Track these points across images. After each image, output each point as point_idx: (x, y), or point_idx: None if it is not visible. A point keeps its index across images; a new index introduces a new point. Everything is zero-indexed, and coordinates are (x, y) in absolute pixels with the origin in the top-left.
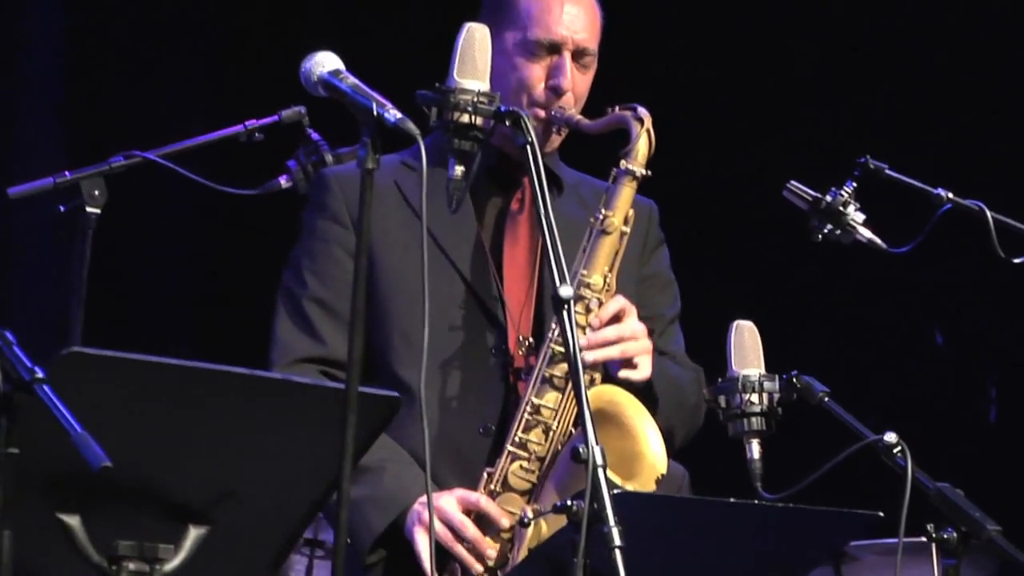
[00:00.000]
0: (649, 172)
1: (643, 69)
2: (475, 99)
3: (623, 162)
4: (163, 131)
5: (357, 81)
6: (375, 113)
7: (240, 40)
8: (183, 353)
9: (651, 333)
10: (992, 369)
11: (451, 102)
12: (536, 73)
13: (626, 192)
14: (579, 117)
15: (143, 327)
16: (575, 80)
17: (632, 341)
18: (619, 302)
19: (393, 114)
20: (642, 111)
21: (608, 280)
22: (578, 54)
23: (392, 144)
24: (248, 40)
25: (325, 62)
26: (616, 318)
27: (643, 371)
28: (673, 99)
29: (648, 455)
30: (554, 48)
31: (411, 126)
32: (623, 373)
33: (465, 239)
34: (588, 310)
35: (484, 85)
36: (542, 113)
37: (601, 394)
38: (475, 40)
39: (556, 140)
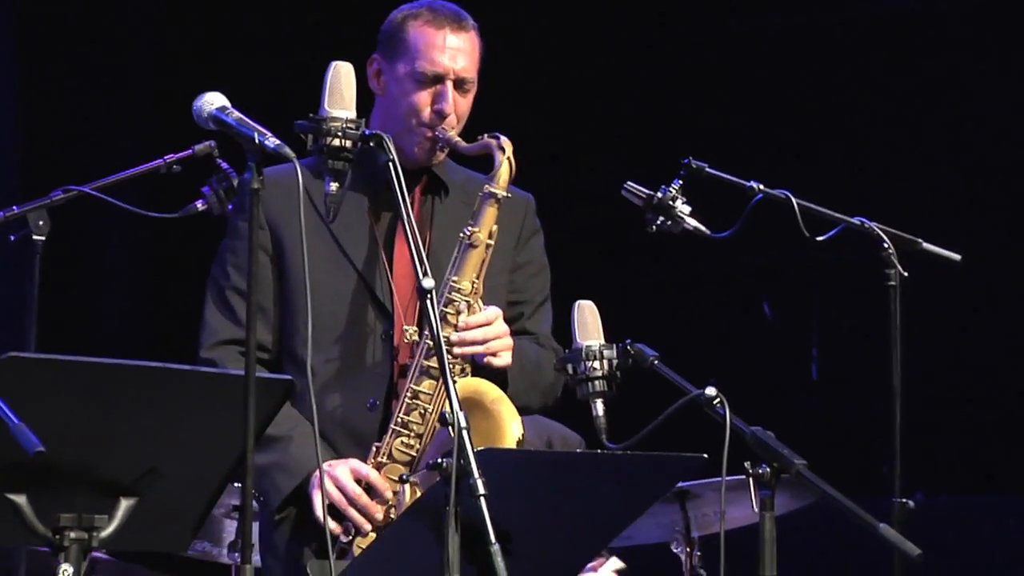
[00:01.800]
0: (509, 194)
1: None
2: (344, 125)
3: (487, 186)
4: (101, 165)
5: (241, 115)
6: (257, 141)
7: (167, 86)
8: (126, 355)
9: (520, 316)
10: (813, 333)
11: (323, 129)
12: (423, 99)
13: (490, 211)
14: (457, 140)
15: (90, 337)
16: (456, 104)
17: (496, 340)
18: (488, 312)
19: (272, 141)
20: (504, 140)
21: (475, 285)
22: (459, 82)
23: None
24: (175, 86)
25: (214, 100)
26: (486, 323)
27: (504, 360)
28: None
29: (507, 432)
30: (438, 78)
31: (287, 151)
32: (487, 360)
33: (361, 239)
34: (458, 312)
35: (351, 113)
36: (429, 133)
37: (467, 385)
38: (341, 75)
39: (440, 155)
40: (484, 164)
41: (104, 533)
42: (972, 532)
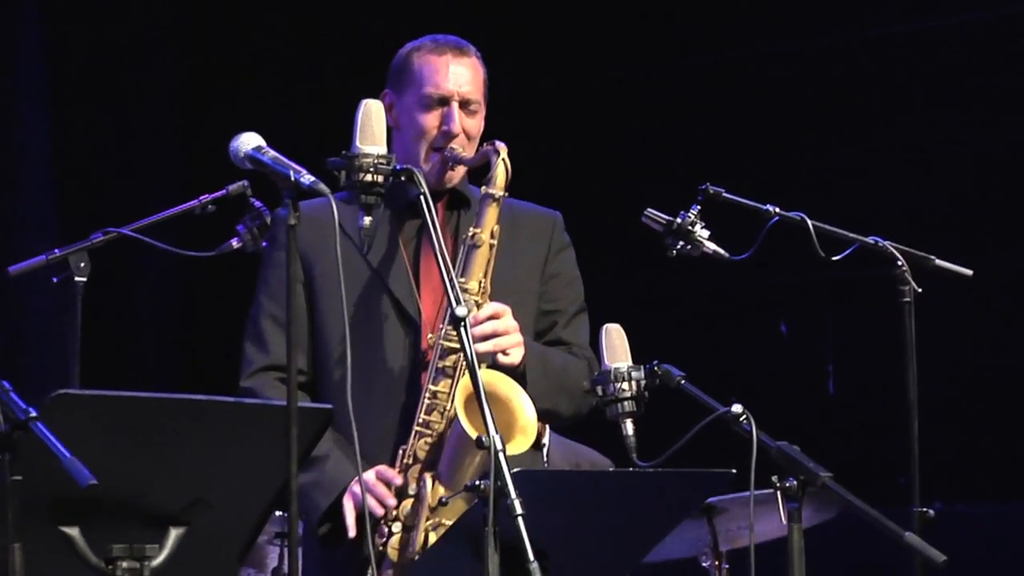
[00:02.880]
0: (507, 193)
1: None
2: (375, 161)
3: (485, 188)
4: (137, 207)
5: (276, 154)
6: (292, 179)
7: (199, 127)
8: (167, 389)
9: (554, 325)
10: (828, 350)
11: (355, 165)
12: (431, 122)
13: (490, 212)
14: (461, 154)
15: (132, 373)
16: (464, 124)
17: (504, 336)
18: (493, 306)
19: (308, 179)
20: (500, 145)
21: (483, 284)
22: (464, 103)
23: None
24: (207, 126)
25: (249, 141)
26: (492, 318)
27: (514, 358)
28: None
29: (521, 420)
30: (443, 100)
31: (322, 187)
32: (499, 358)
33: (389, 259)
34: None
35: (382, 149)
36: (438, 155)
37: (483, 377)
38: (371, 113)
39: (454, 175)
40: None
41: (155, 562)
42: (991, 540)
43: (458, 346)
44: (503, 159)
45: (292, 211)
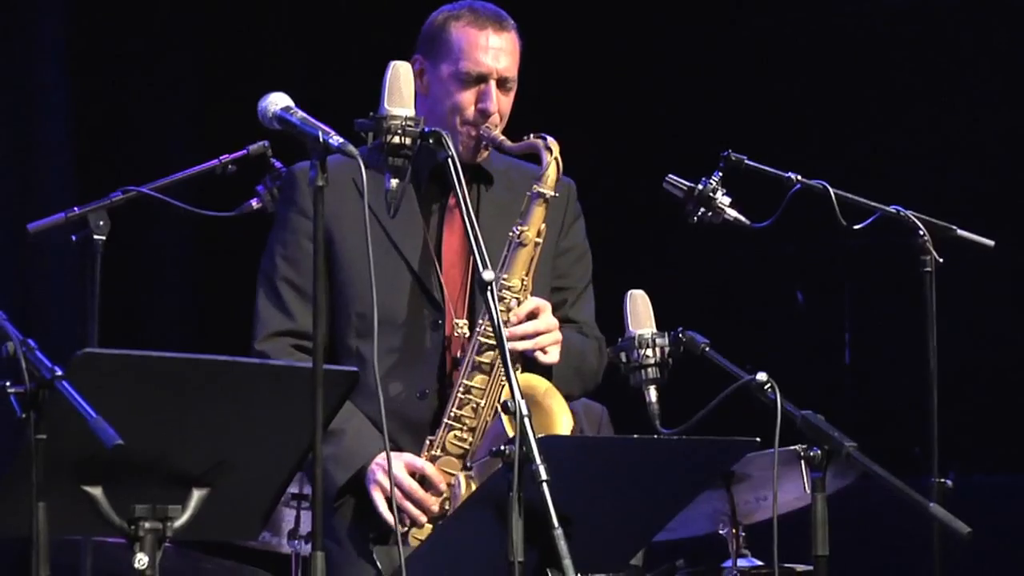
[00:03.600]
0: (556, 194)
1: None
2: (403, 123)
3: (535, 186)
4: (156, 166)
5: (305, 114)
6: (321, 140)
7: (218, 87)
8: (184, 349)
9: (564, 303)
10: (845, 319)
11: (383, 127)
12: (467, 98)
13: (538, 211)
14: (502, 138)
15: (149, 332)
16: (500, 103)
17: (545, 334)
18: (534, 302)
19: (336, 140)
20: (551, 141)
21: (524, 283)
22: (501, 82)
23: None
24: (225, 85)
25: (278, 101)
26: (532, 315)
27: (553, 357)
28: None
29: (558, 428)
30: (481, 78)
31: (351, 149)
32: (538, 356)
33: (411, 232)
34: (508, 308)
35: (410, 111)
36: (473, 132)
37: (520, 379)
38: (400, 75)
39: (485, 153)
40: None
41: (178, 523)
42: (1006, 511)
43: (495, 343)
44: (556, 158)
45: (320, 173)
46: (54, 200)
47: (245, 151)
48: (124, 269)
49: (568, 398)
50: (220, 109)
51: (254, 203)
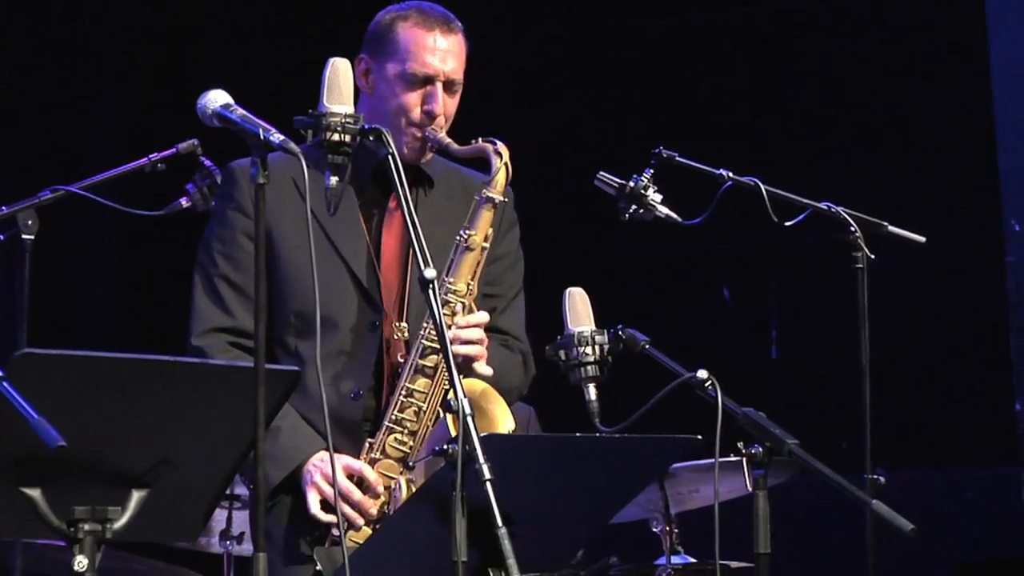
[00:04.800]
0: (506, 199)
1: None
2: (343, 120)
3: (484, 190)
4: (84, 165)
5: (245, 112)
6: (262, 137)
7: (152, 83)
8: (114, 349)
9: (493, 311)
10: (773, 315)
11: (323, 124)
12: (412, 100)
13: (486, 215)
14: (448, 141)
15: (77, 331)
16: (445, 104)
17: (484, 346)
18: (483, 315)
19: (277, 137)
20: (500, 146)
21: (471, 287)
22: (448, 84)
23: None
24: (159, 82)
25: (217, 98)
26: (479, 325)
27: (487, 370)
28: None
29: (500, 429)
30: (428, 80)
31: (292, 146)
32: (476, 367)
33: (351, 232)
34: (453, 312)
35: (350, 108)
36: (418, 133)
37: (465, 384)
38: (339, 72)
39: (429, 155)
40: (474, 163)
41: (117, 524)
42: (932, 505)
43: (439, 345)
44: (505, 163)
45: (261, 170)
46: None
47: (174, 149)
48: (52, 268)
49: None
50: (150, 106)
51: (184, 202)
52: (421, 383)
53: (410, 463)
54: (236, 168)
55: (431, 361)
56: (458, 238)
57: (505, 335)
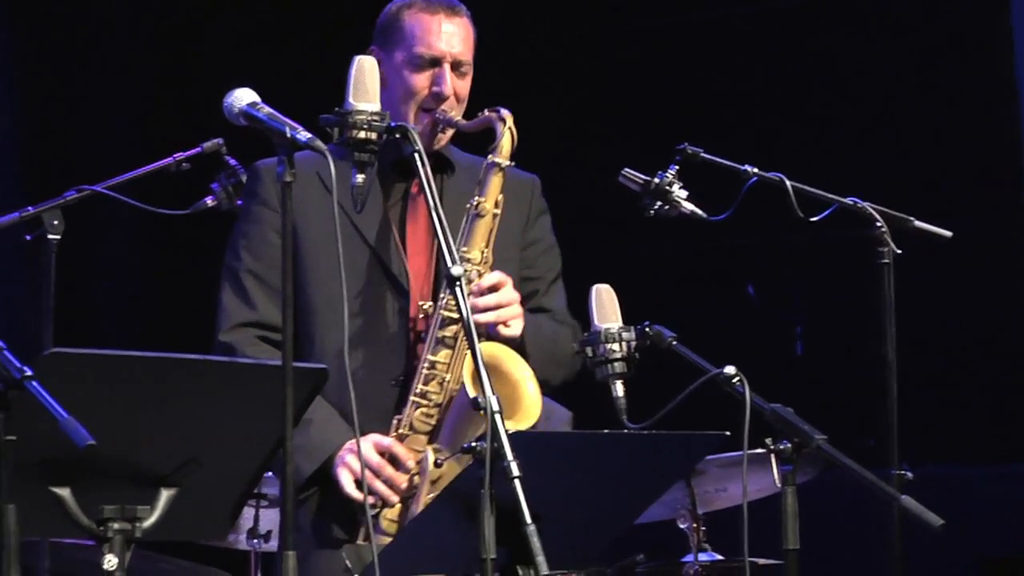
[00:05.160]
0: (513, 163)
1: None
2: (369, 118)
3: (491, 156)
4: (109, 166)
5: (271, 110)
6: (288, 135)
7: (169, 83)
8: (138, 348)
9: (535, 293)
10: (797, 312)
11: (349, 122)
12: (421, 83)
13: (495, 180)
14: (458, 119)
15: (103, 330)
16: (455, 86)
17: (507, 307)
18: (496, 276)
19: (303, 135)
20: (504, 112)
21: (485, 254)
22: (456, 65)
23: None
24: (176, 82)
25: (243, 96)
26: (493, 288)
27: (515, 330)
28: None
29: (525, 398)
30: (435, 62)
31: (319, 144)
32: (500, 330)
33: (375, 220)
34: (469, 280)
35: (376, 106)
36: (428, 116)
37: (484, 350)
38: (365, 69)
39: (443, 138)
40: (487, 143)
41: (146, 523)
42: (958, 501)
43: (458, 315)
44: (510, 127)
45: (288, 168)
46: (1, 199)
47: (199, 149)
48: (78, 268)
49: (546, 384)
50: (175, 106)
51: (209, 201)
52: (443, 354)
53: (439, 461)
54: (261, 167)
55: (451, 331)
56: (468, 205)
57: (550, 312)
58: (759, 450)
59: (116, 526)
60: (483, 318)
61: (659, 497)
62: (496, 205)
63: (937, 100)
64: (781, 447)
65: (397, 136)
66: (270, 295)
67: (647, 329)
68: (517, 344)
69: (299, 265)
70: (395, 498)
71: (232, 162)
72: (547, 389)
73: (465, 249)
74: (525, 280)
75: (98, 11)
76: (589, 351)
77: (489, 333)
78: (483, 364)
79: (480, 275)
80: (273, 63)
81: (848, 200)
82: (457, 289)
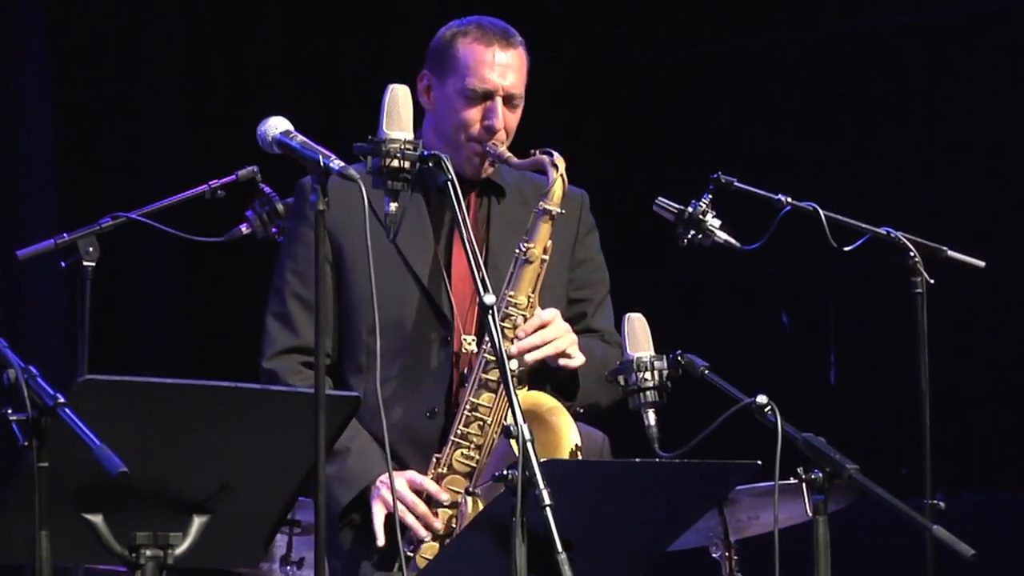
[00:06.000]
0: (563, 211)
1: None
2: (402, 146)
3: (542, 203)
4: (143, 193)
5: (305, 138)
6: (322, 164)
7: (204, 112)
8: (172, 374)
9: (584, 315)
10: (831, 340)
11: (383, 150)
12: (473, 115)
13: (544, 228)
14: (508, 155)
15: (138, 357)
16: (506, 119)
17: (560, 339)
18: (543, 315)
19: (337, 164)
20: (557, 157)
21: (531, 299)
22: (508, 98)
23: None
24: (211, 112)
25: (278, 125)
26: (542, 327)
27: (577, 359)
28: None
29: (565, 444)
30: (488, 95)
31: (352, 172)
32: (563, 362)
33: (421, 246)
34: (515, 325)
35: (409, 135)
36: (478, 148)
37: (525, 397)
38: (398, 98)
39: (489, 169)
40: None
41: (179, 550)
42: (993, 529)
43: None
44: (561, 174)
45: (321, 197)
46: (37, 225)
47: (234, 176)
48: (113, 296)
49: (596, 407)
50: (210, 133)
51: (243, 228)
52: (485, 397)
53: (471, 489)
54: (307, 185)
55: (494, 375)
56: (517, 251)
57: (600, 332)
58: (791, 480)
59: (148, 553)
60: (540, 354)
61: (691, 526)
62: (545, 251)
63: (971, 127)
64: (813, 476)
65: (430, 164)
66: (314, 319)
67: (679, 358)
68: (570, 374)
69: (345, 292)
70: (426, 534)
71: (267, 190)
72: (597, 410)
73: (512, 294)
74: (573, 303)
75: (135, 40)
76: (622, 380)
77: (550, 367)
78: (515, 392)
79: (526, 320)
80: (310, 91)
81: (882, 230)
82: (489, 318)
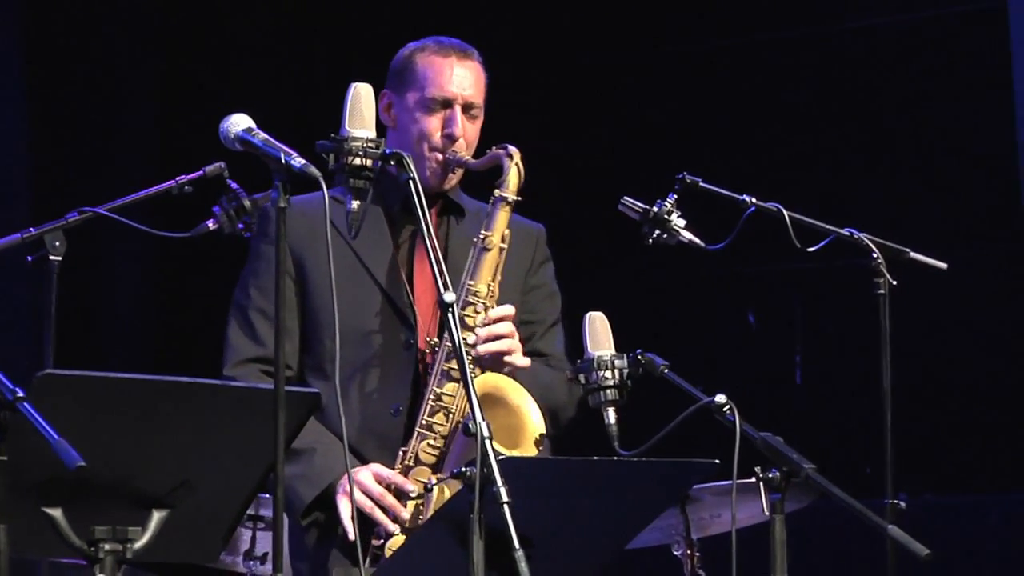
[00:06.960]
0: (520, 197)
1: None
2: (364, 145)
3: (497, 191)
4: (116, 188)
5: (267, 136)
6: (283, 161)
7: (177, 108)
8: (139, 370)
9: (532, 336)
10: (797, 340)
11: (345, 148)
12: (433, 124)
13: (502, 215)
14: (467, 158)
15: (104, 353)
16: (465, 128)
17: (512, 337)
18: (505, 308)
19: (298, 161)
20: (512, 149)
21: (491, 288)
22: (467, 107)
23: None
24: (184, 107)
25: (240, 122)
26: (502, 318)
27: (523, 361)
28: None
29: (529, 426)
30: (447, 104)
31: (313, 170)
32: (508, 359)
33: (381, 253)
34: (476, 312)
35: (371, 133)
36: (440, 157)
37: (487, 381)
38: (361, 96)
39: (453, 178)
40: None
41: (137, 544)
42: (956, 530)
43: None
44: (516, 163)
45: (282, 193)
46: (8, 220)
47: (201, 172)
48: (80, 291)
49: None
50: (178, 129)
51: (210, 224)
52: (449, 387)
53: (430, 484)
54: (270, 209)
55: (456, 364)
56: (475, 240)
57: (546, 357)
58: (750, 479)
59: (107, 547)
60: (493, 347)
61: (649, 524)
62: (503, 240)
63: (934, 129)
64: (770, 476)
65: (392, 163)
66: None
67: (640, 357)
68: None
69: (307, 302)
70: (395, 528)
71: (234, 186)
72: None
73: (472, 283)
74: (524, 324)
75: (107, 35)
76: (582, 378)
77: (494, 364)
78: (473, 389)
79: (487, 308)
80: (278, 89)
81: (845, 231)
82: (449, 315)
